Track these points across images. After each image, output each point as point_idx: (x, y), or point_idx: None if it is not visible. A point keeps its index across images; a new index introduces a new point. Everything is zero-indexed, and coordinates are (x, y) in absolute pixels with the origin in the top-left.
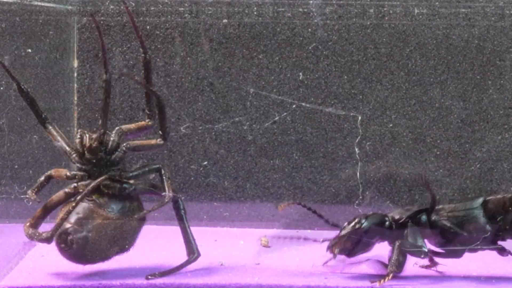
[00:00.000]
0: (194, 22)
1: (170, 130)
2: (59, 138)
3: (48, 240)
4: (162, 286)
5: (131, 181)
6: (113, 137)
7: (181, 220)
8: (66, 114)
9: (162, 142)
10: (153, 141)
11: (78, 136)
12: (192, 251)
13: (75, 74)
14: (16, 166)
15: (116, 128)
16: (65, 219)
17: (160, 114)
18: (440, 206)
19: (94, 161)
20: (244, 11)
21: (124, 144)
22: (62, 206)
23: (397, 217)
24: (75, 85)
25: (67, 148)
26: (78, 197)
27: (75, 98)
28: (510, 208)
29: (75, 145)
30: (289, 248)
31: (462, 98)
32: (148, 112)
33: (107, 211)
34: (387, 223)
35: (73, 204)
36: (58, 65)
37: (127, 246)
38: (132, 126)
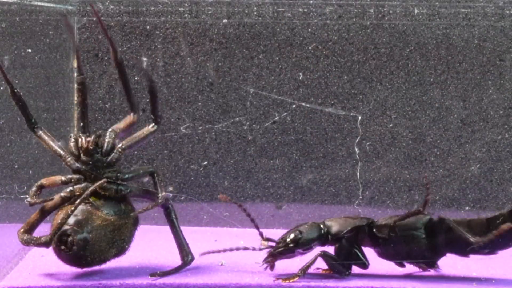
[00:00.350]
0: (194, 22)
1: (162, 114)
2: (50, 142)
3: (47, 244)
4: (162, 286)
5: (125, 183)
6: (108, 138)
7: (173, 225)
8: (66, 114)
9: (155, 127)
10: (145, 130)
11: (73, 139)
12: (186, 255)
13: (75, 74)
14: (16, 166)
15: (109, 129)
16: (64, 222)
17: (152, 98)
18: (383, 223)
19: (90, 163)
20: (244, 11)
21: (119, 145)
22: (57, 211)
23: (334, 230)
24: (75, 85)
25: (61, 152)
26: (78, 200)
27: (75, 98)
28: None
29: (69, 148)
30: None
31: (462, 98)
32: (131, 106)
33: (104, 213)
34: (322, 233)
35: (72, 208)
36: (58, 65)
37: (124, 248)
38: (122, 125)
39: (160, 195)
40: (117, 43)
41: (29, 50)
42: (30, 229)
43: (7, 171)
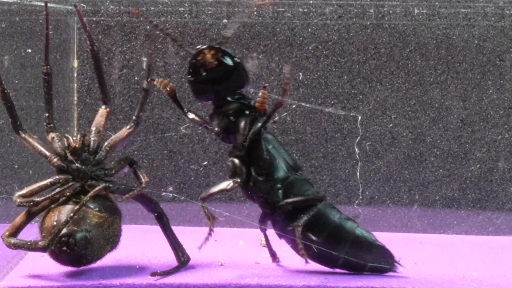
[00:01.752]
0: (194, 22)
1: (143, 116)
2: (35, 143)
3: (45, 248)
4: (162, 286)
5: (113, 180)
6: (93, 136)
7: (165, 229)
8: (66, 114)
9: (133, 127)
10: (125, 131)
11: (57, 139)
12: (182, 255)
13: (75, 74)
14: (16, 166)
15: (93, 128)
16: (65, 225)
17: (143, 99)
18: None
19: (78, 162)
20: (244, 11)
21: (106, 144)
22: (45, 213)
23: None
24: (75, 85)
25: (47, 153)
26: (77, 207)
27: (75, 98)
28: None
29: (55, 149)
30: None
31: (462, 98)
32: (104, 98)
33: (97, 210)
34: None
35: (72, 214)
36: (58, 65)
37: (116, 243)
38: (102, 121)
39: (143, 180)
40: (117, 43)
41: (29, 50)
42: (16, 232)
43: (7, 171)
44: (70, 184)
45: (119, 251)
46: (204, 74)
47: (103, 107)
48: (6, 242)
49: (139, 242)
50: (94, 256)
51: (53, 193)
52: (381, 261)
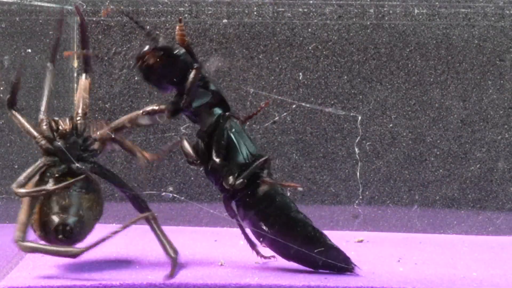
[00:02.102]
0: (194, 22)
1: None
2: (25, 123)
3: (78, 255)
4: (162, 286)
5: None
6: (80, 119)
7: (154, 229)
8: (66, 114)
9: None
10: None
11: (45, 122)
12: (173, 252)
13: (75, 74)
14: (16, 166)
15: (79, 110)
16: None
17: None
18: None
19: (67, 145)
20: (244, 11)
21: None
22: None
23: None
24: (75, 85)
25: (35, 134)
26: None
27: (75, 98)
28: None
29: (43, 131)
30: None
31: (462, 98)
32: (86, 66)
33: (83, 193)
34: None
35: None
36: (58, 65)
37: (101, 214)
38: (87, 98)
39: (138, 156)
40: (117, 43)
41: (29, 50)
42: (25, 231)
43: (7, 171)
44: (77, 178)
45: (119, 251)
46: (152, 73)
47: (84, 76)
48: (22, 246)
49: (139, 242)
50: (86, 234)
51: (65, 183)
52: (335, 261)
